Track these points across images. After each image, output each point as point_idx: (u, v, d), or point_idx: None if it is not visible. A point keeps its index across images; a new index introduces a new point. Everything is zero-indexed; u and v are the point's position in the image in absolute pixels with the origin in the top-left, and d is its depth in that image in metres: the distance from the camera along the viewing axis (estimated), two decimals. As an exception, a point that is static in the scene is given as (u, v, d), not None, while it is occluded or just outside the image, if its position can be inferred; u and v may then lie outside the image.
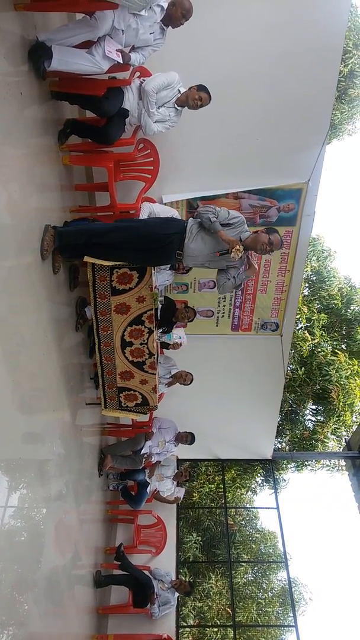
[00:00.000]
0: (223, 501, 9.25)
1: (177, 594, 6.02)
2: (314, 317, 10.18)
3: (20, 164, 2.90)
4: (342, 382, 9.50)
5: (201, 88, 3.91)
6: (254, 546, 10.79)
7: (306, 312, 10.25)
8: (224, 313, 6.16)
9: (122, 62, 3.41)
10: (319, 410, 10.37)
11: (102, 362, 4.39)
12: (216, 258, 3.73)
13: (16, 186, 2.81)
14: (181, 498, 6.80)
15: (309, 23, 4.28)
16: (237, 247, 3.47)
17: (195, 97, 3.91)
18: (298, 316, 9.60)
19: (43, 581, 3.32)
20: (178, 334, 5.26)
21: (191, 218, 3.82)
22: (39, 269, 3.24)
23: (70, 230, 3.55)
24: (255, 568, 10.86)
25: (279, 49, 4.39)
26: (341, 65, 8.08)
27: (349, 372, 9.60)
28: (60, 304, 3.86)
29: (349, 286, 11.03)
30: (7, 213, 2.68)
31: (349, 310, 10.75)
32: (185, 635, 9.13)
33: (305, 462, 10.51)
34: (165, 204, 5.10)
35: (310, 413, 10.68)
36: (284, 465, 10.71)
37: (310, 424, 10.55)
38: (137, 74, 4.08)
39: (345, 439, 9.70)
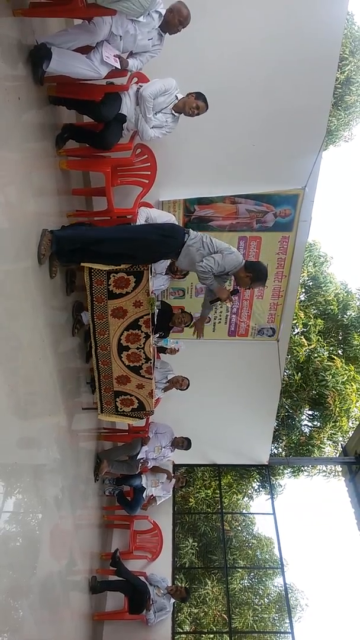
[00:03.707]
0: (219, 507, 9.23)
1: (173, 600, 5.99)
2: (310, 323, 10.20)
3: (17, 168, 2.91)
4: (338, 388, 9.50)
5: (199, 96, 3.93)
6: (250, 552, 10.76)
7: (302, 317, 10.27)
8: (220, 319, 6.17)
9: (119, 67, 3.43)
10: (316, 415, 10.37)
11: (98, 366, 4.38)
12: None
13: (13, 190, 2.82)
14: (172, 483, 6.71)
15: (305, 30, 4.31)
16: (228, 302, 3.87)
17: (193, 106, 3.93)
18: (294, 321, 9.61)
19: (38, 587, 3.30)
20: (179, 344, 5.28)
21: (192, 231, 3.80)
22: (36, 274, 3.24)
23: (66, 235, 3.55)
24: (252, 574, 10.82)
25: (276, 56, 4.42)
26: (337, 72, 8.12)
27: (346, 378, 9.61)
28: (57, 309, 3.85)
29: (345, 292, 11.07)
30: (5, 217, 2.69)
31: (345, 315, 10.77)
32: (181, 641, 9.08)
33: (302, 468, 10.49)
34: (162, 202, 5.11)
35: (307, 418, 10.68)
36: (280, 471, 10.68)
37: (306, 429, 10.55)
38: (135, 79, 4.10)
39: (341, 444, 9.69)
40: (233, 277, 3.95)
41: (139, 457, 5.95)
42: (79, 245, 3.54)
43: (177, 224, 4.86)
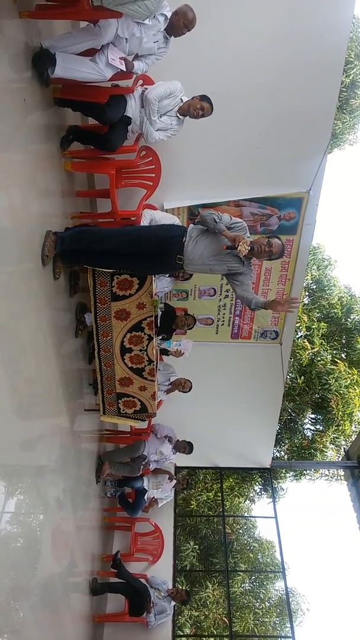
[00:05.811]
0: (221, 509, 9.21)
1: (173, 603, 5.98)
2: (313, 326, 10.18)
3: (22, 169, 2.92)
4: (341, 392, 9.47)
5: (204, 98, 3.93)
6: (251, 555, 10.73)
7: (306, 320, 10.24)
8: (223, 321, 6.16)
9: (125, 70, 3.44)
10: (318, 419, 10.34)
11: (101, 368, 4.39)
12: (217, 261, 3.64)
13: (18, 192, 2.82)
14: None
15: (311, 34, 4.31)
16: (243, 240, 3.40)
17: (197, 107, 3.93)
18: (298, 325, 9.60)
19: (39, 588, 3.30)
20: (185, 345, 5.20)
21: (192, 225, 3.79)
22: (40, 275, 3.25)
23: (71, 234, 3.54)
24: (253, 577, 10.79)
25: (282, 59, 4.42)
26: (343, 76, 8.12)
27: (349, 382, 9.58)
28: (60, 310, 3.86)
29: (349, 295, 11.04)
30: (9, 218, 2.69)
31: (349, 319, 10.74)
32: (182, 644, 9.07)
33: (304, 472, 10.47)
34: (166, 211, 5.11)
35: (310, 422, 10.64)
36: (283, 474, 10.66)
37: (309, 433, 10.51)
38: (140, 82, 4.10)
39: (344, 448, 9.68)
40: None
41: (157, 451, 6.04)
42: (84, 244, 3.52)
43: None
